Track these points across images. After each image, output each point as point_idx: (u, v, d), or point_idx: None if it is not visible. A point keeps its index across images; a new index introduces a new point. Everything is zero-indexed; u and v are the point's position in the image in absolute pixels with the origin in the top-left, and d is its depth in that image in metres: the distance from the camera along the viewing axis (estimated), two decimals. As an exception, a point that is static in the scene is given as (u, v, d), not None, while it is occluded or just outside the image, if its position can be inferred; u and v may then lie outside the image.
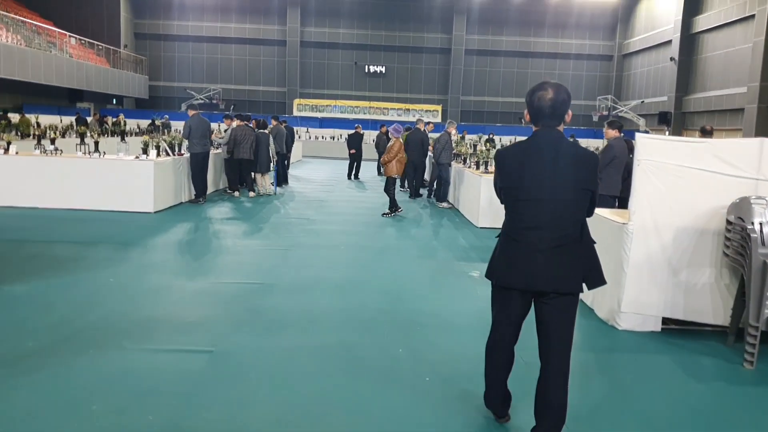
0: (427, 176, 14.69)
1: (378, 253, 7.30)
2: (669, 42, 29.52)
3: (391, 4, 34.74)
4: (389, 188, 10.15)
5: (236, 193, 12.22)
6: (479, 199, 9.15)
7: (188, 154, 10.67)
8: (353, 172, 17.98)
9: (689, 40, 28.11)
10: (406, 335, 4.39)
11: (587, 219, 2.76)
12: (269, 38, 35.04)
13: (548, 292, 2.64)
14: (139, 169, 9.49)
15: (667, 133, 28.71)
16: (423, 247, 7.80)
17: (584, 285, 2.75)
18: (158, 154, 10.13)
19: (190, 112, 10.91)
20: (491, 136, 25.45)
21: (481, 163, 10.25)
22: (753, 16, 23.02)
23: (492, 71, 36.32)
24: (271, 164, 12.64)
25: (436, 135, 13.92)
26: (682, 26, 28.12)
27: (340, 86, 35.61)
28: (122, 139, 10.92)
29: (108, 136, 15.71)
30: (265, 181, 12.59)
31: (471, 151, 11.67)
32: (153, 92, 34.67)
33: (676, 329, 4.66)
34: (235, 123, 11.99)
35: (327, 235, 8.40)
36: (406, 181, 14.33)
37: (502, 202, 2.85)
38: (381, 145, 19.12)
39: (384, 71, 35.56)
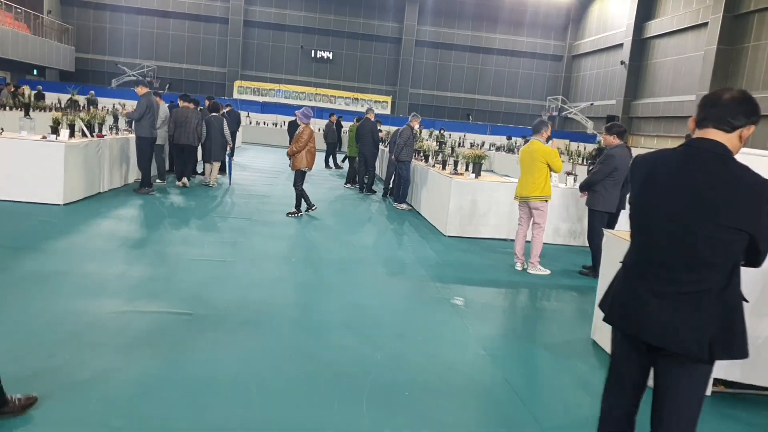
0: (379, 173, 13.52)
1: (337, 268, 6.06)
2: (620, 45, 29.60)
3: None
4: (298, 183, 8.75)
5: (164, 182, 10.77)
6: (448, 204, 8.05)
7: (112, 137, 9.05)
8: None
9: (640, 44, 28.24)
10: (390, 407, 3.19)
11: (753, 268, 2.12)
12: (211, 15, 32.78)
13: (661, 348, 2.06)
14: (47, 151, 7.82)
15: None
16: (389, 261, 6.61)
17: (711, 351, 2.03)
18: (72, 135, 8.46)
19: (141, 90, 9.31)
20: (442, 131, 24.55)
21: (448, 162, 9.17)
22: (706, 24, 23.16)
23: (443, 65, 35.56)
24: (226, 152, 11.41)
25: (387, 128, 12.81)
26: (634, 30, 28.22)
27: (284, 70, 33.83)
28: (26, 114, 9.11)
29: (21, 110, 13.60)
30: (213, 171, 11.20)
31: (436, 148, 10.54)
32: (80, 65, 31.72)
33: (728, 393, 3.70)
34: (181, 104, 10.61)
35: (273, 241, 7.08)
36: (356, 177, 13.13)
37: None
38: (330, 135, 17.84)
39: (331, 57, 34.07)
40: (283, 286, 5.19)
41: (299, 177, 8.73)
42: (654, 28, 27.24)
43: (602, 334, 4.36)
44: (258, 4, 33.09)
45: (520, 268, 6.54)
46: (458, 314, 4.82)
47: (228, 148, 11.54)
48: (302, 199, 8.83)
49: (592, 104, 31.56)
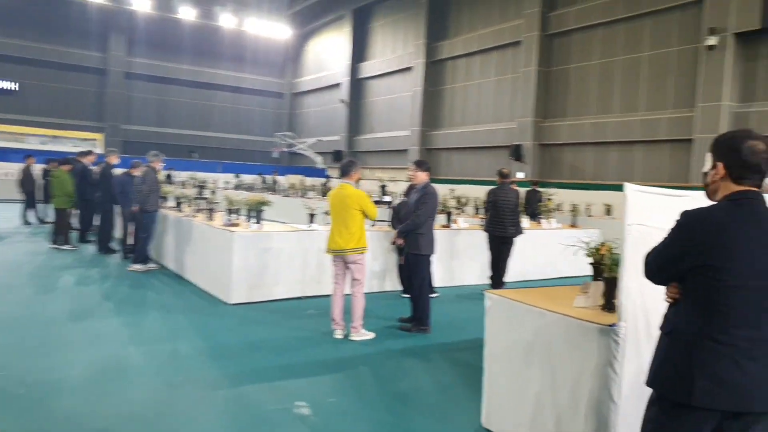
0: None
1: (90, 391, 3.95)
2: (339, 84, 31.13)
3: (21, 8, 27.75)
4: None
5: None
6: (230, 264, 6.45)
7: None
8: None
9: (357, 84, 30.11)
10: None
11: None
12: None
13: (756, 413, 1.95)
14: None
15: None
16: (170, 362, 4.67)
17: None
18: None
19: None
20: (169, 173, 22.03)
21: (216, 210, 7.53)
22: (411, 68, 25.77)
23: (163, 100, 32.52)
24: None
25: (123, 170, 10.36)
26: (351, 71, 29.96)
27: (-53, 102, 26.55)
28: None
29: None
30: None
31: (196, 194, 8.70)
32: None
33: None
34: None
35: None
36: (68, 235, 10.43)
37: (661, 282, 2.14)
38: (27, 183, 14.10)
39: (17, 88, 28.01)
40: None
41: None
42: (367, 69, 29.35)
43: (497, 418, 3.52)
44: None
45: (341, 336, 5.40)
46: (307, 427, 3.43)
47: None
48: None
49: (319, 140, 32.42)
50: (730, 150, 2.03)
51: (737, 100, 14.13)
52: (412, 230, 5.60)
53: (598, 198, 13.88)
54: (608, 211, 13.41)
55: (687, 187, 13.23)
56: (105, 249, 9.96)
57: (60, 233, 10.35)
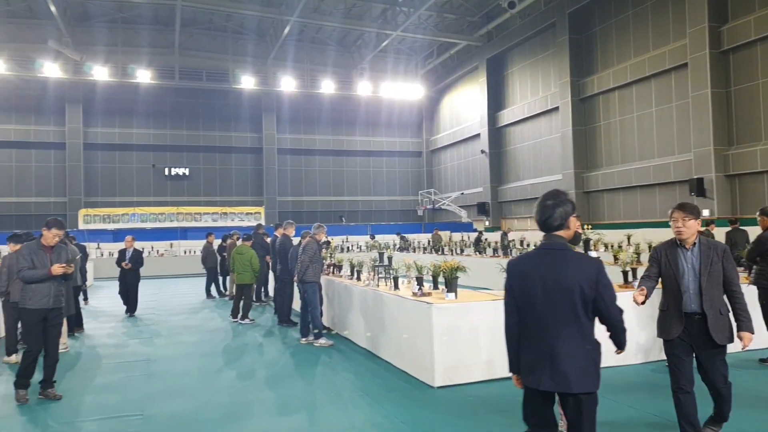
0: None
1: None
2: (477, 135, 30.60)
3: (191, 102, 31.40)
4: None
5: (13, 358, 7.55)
6: (431, 341, 5.85)
7: None
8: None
9: (497, 133, 29.34)
10: None
11: None
12: (41, 140, 28.75)
13: None
14: None
15: (487, 223, 29.06)
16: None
17: None
18: None
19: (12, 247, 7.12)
20: (329, 240, 22.65)
21: (408, 279, 7.09)
22: (557, 108, 24.49)
23: (307, 170, 34.49)
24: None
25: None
26: (489, 120, 29.32)
27: (135, 192, 30.24)
28: None
29: None
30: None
31: (373, 260, 8.41)
32: None
33: None
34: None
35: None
36: (244, 309, 10.70)
37: None
38: (209, 258, 15.08)
39: (188, 173, 31.26)
40: None
41: None
42: (507, 116, 28.49)
43: None
44: (99, 126, 29.84)
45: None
46: None
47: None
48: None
49: (462, 193, 31.93)
50: None
51: None
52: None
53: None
54: None
55: None
56: (285, 321, 10.01)
57: (244, 308, 10.65)
